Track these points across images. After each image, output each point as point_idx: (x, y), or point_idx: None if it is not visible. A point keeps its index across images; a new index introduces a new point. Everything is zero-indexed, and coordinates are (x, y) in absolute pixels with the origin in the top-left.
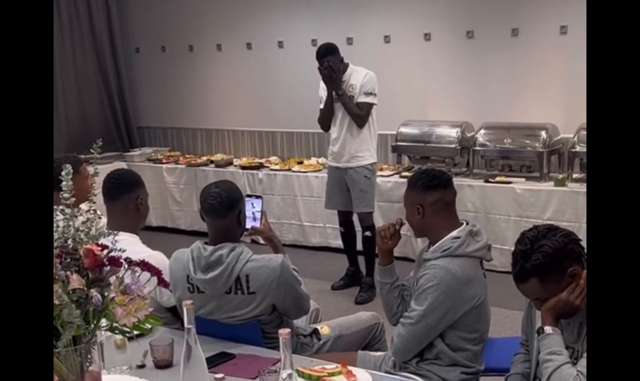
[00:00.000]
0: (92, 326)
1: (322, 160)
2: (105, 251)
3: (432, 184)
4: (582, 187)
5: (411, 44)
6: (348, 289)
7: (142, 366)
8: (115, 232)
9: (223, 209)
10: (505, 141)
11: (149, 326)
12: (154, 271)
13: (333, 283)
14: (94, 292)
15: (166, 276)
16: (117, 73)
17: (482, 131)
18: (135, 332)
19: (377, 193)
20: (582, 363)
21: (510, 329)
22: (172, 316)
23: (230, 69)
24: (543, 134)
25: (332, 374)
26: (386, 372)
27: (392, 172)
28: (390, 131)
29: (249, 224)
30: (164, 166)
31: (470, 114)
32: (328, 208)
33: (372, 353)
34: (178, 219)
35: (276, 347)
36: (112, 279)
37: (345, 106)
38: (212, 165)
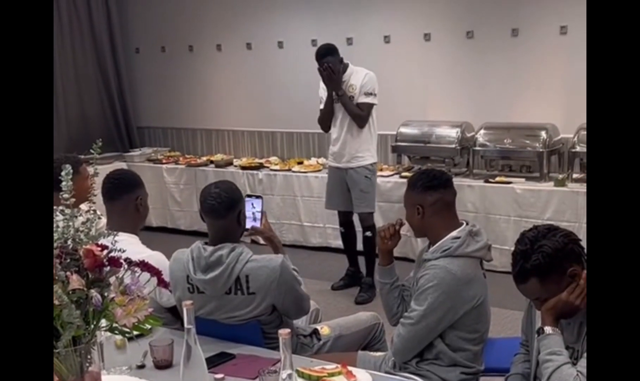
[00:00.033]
0: (92, 326)
1: (322, 160)
2: (105, 252)
3: (432, 184)
4: (582, 188)
5: (411, 44)
6: (348, 290)
7: (142, 367)
8: (115, 232)
9: (223, 210)
10: (505, 141)
11: (149, 326)
12: (154, 271)
13: (333, 283)
14: (93, 292)
15: (166, 277)
16: (117, 73)
17: (482, 131)
18: (135, 332)
19: (377, 193)
20: (582, 363)
21: (510, 329)
22: (172, 316)
23: (230, 69)
24: (543, 134)
25: (332, 374)
26: (386, 372)
27: (392, 173)
28: (390, 131)
29: (249, 224)
30: (164, 166)
31: (470, 114)
32: (328, 208)
33: (372, 353)
34: (178, 220)
35: (276, 347)
36: (112, 279)
37: (345, 107)
38: (212, 165)
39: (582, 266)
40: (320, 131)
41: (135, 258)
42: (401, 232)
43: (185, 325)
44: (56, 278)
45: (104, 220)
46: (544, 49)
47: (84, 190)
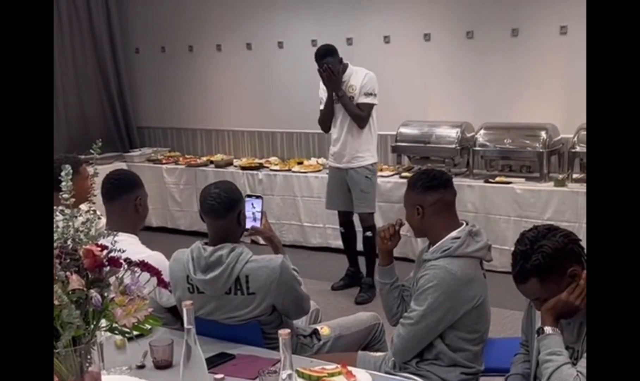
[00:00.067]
0: (92, 326)
1: (322, 160)
2: (105, 252)
3: (432, 184)
4: (582, 188)
5: (411, 44)
6: (348, 290)
7: (141, 367)
8: (115, 232)
9: (223, 210)
10: (505, 141)
11: (149, 326)
12: (154, 271)
13: (333, 284)
14: (93, 292)
15: (166, 277)
16: (117, 73)
17: (482, 131)
18: (135, 332)
19: (377, 193)
20: (582, 363)
21: (510, 329)
22: (172, 316)
23: (230, 70)
24: (543, 134)
25: (332, 374)
26: (386, 372)
27: (392, 173)
28: (390, 131)
29: (249, 224)
30: (164, 166)
31: (470, 114)
32: (329, 208)
33: (372, 353)
34: (178, 220)
35: (276, 347)
36: (112, 279)
37: (345, 107)
38: (212, 165)
39: (582, 266)
40: (320, 131)
41: (135, 258)
42: (401, 232)
43: (185, 325)
44: (56, 278)
45: (103, 220)
46: (544, 49)
47: (83, 190)
